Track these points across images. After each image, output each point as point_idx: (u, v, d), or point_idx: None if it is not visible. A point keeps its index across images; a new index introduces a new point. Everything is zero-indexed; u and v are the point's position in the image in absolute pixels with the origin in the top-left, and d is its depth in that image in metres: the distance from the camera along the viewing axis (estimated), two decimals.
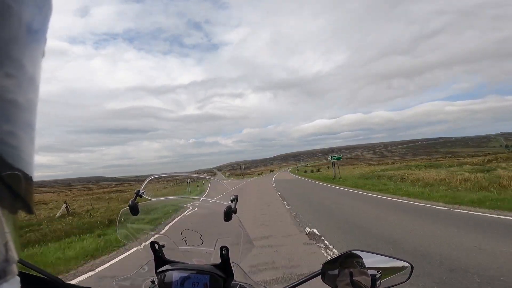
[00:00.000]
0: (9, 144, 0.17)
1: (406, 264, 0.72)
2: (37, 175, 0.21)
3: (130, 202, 0.73)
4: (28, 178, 0.19)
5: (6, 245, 0.20)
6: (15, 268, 0.20)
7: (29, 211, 0.20)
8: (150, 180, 0.84)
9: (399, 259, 0.73)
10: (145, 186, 0.77)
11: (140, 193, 0.75)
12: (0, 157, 0.17)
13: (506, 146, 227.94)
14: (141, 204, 0.75)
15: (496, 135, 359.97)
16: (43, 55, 0.20)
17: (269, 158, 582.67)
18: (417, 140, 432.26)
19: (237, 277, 0.76)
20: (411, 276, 0.72)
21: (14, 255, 0.20)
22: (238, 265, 0.79)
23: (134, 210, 0.73)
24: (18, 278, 0.20)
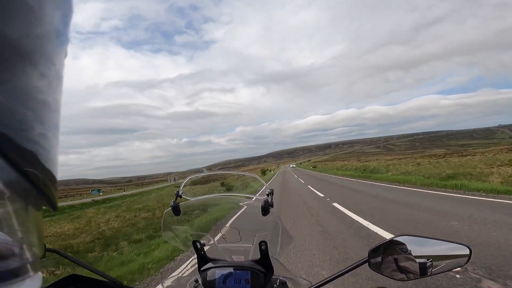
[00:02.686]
0: (40, 145, 0.17)
1: (462, 247, 0.65)
2: None
3: (172, 203, 0.76)
4: (54, 179, 0.19)
5: (28, 242, 0.19)
6: (37, 265, 0.20)
7: (53, 207, 0.19)
8: (189, 179, 0.91)
9: (453, 242, 0.67)
10: (183, 186, 0.81)
11: (179, 194, 0.79)
12: (33, 158, 0.17)
13: None
14: (181, 204, 0.79)
15: (496, 127, 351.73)
16: (65, 55, 0.20)
17: (262, 155, 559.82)
18: (414, 134, 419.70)
19: (277, 271, 0.77)
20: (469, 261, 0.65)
21: (37, 252, 0.20)
22: (278, 259, 0.80)
23: (176, 210, 0.77)
24: (40, 275, 0.20)
